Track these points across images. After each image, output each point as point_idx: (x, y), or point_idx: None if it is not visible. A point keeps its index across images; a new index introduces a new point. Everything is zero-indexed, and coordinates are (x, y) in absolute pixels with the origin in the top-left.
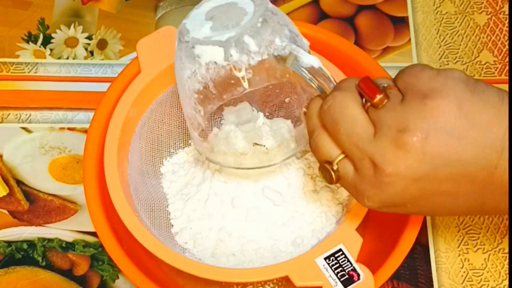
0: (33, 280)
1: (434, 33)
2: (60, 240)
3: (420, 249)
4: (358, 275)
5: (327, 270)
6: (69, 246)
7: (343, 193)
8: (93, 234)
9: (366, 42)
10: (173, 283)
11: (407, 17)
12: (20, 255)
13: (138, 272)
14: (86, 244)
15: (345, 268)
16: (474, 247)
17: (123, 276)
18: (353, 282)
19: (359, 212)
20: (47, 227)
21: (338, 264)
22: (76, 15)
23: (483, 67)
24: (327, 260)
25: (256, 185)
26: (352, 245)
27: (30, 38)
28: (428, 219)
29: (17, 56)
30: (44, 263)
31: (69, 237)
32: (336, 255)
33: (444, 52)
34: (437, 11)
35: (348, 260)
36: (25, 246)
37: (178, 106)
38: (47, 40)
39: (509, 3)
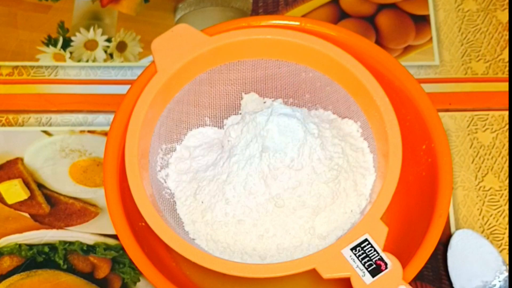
0: (55, 283)
1: (456, 31)
2: (81, 243)
3: (444, 250)
4: (386, 264)
5: (354, 261)
6: (90, 249)
7: (366, 183)
8: (114, 236)
9: (387, 41)
10: (195, 286)
11: (428, 16)
12: (42, 258)
13: (160, 275)
14: (107, 247)
15: (372, 258)
16: (499, 247)
17: (144, 279)
18: (381, 271)
19: (382, 202)
20: (68, 230)
21: (365, 254)
22: (95, 17)
23: (506, 65)
24: (354, 250)
25: None
26: (377, 235)
27: (50, 41)
28: (452, 220)
29: (37, 60)
30: (65, 266)
31: (90, 240)
32: (362, 245)
33: (467, 50)
34: (459, 9)
35: (375, 250)
36: (46, 249)
37: (195, 104)
38: (67, 43)
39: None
